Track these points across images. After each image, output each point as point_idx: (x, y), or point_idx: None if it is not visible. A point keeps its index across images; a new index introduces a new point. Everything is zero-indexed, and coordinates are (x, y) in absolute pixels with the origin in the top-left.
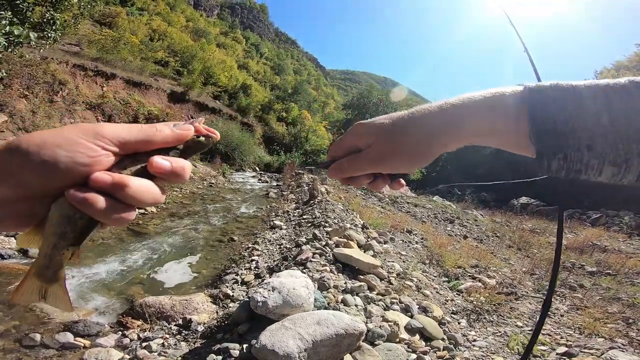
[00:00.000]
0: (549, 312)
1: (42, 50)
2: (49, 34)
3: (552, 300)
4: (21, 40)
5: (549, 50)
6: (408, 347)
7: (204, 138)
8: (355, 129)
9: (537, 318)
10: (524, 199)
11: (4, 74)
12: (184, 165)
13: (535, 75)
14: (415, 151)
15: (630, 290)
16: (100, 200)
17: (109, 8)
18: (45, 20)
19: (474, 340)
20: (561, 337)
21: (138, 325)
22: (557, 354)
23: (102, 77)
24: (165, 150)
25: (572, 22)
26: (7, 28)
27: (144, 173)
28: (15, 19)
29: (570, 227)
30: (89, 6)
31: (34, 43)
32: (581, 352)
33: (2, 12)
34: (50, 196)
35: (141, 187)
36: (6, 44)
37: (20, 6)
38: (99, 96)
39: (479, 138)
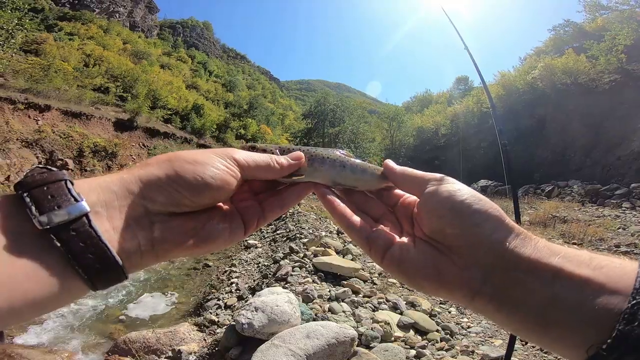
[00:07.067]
0: None
1: None
2: None
3: None
4: None
5: (478, 42)
6: (405, 344)
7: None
8: None
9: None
10: (482, 182)
11: None
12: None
13: (476, 70)
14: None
15: None
16: None
17: (34, 34)
18: None
19: (469, 327)
20: None
21: None
22: None
23: (35, 110)
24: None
25: (497, 11)
26: None
27: None
28: None
29: (528, 202)
30: (16, 31)
31: None
32: None
33: None
34: (199, 211)
35: None
36: None
37: None
38: (34, 131)
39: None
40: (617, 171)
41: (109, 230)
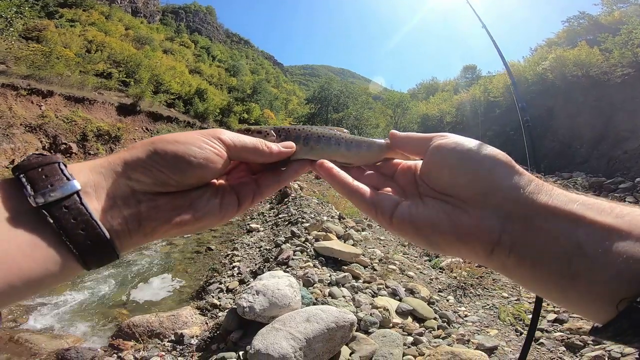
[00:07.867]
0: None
1: None
2: None
3: None
4: None
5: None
6: (403, 331)
7: None
8: None
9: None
10: None
11: None
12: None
13: (495, 47)
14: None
15: None
16: None
17: (34, 21)
18: None
19: (466, 316)
20: (547, 304)
21: (131, 346)
22: (548, 320)
23: (38, 96)
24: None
25: (507, 3)
26: None
27: None
28: None
29: None
30: (17, 18)
31: None
32: (570, 317)
33: None
34: (188, 190)
35: None
36: None
37: None
38: (38, 116)
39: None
40: (622, 165)
41: (97, 209)
